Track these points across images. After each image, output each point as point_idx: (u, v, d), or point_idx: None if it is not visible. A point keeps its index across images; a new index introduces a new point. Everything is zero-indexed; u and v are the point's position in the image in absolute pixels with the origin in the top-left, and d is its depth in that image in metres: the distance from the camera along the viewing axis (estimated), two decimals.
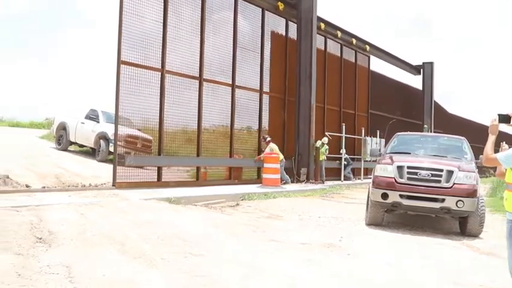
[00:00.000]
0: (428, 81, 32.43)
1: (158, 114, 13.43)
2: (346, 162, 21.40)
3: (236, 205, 11.95)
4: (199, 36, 14.86)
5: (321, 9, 19.86)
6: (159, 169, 13.56)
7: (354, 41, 23.92)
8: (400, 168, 9.74)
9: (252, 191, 14.20)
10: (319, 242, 7.97)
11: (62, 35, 70.37)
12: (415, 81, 33.22)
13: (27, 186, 11.50)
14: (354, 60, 24.63)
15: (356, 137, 23.12)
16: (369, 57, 26.04)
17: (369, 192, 10.39)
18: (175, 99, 13.99)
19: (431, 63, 32.49)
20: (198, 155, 14.74)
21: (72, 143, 18.33)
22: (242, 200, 12.91)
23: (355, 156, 23.15)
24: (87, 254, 6.05)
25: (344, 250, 7.50)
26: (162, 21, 13.65)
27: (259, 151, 17.15)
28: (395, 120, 26.13)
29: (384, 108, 27.29)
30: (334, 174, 21.48)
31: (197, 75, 14.80)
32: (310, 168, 18.83)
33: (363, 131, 22.03)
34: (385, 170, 9.93)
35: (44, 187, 11.67)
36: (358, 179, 22.25)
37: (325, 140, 19.36)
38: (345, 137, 21.10)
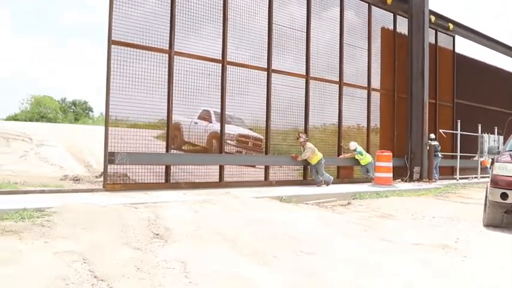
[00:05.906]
0: None
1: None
2: None
3: (347, 204, 11.86)
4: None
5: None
6: (167, 168, 12.91)
7: (433, 18, 20.75)
8: None
9: (363, 189, 14.09)
10: (433, 242, 7.69)
11: None
12: None
13: None
14: (433, 41, 21.48)
15: (473, 134, 22.03)
16: (453, 38, 22.88)
17: (486, 191, 9.90)
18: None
19: None
20: (220, 152, 13.89)
21: (185, 143, 18.91)
22: (353, 198, 12.83)
23: (466, 154, 21.78)
24: (202, 251, 6.24)
25: (460, 252, 7.19)
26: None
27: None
28: None
29: (482, 99, 24.65)
30: (448, 173, 20.79)
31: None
32: (423, 167, 18.33)
33: (480, 127, 20.86)
34: (505, 169, 9.38)
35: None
36: (475, 177, 21.25)
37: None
38: (457, 134, 20.11)
